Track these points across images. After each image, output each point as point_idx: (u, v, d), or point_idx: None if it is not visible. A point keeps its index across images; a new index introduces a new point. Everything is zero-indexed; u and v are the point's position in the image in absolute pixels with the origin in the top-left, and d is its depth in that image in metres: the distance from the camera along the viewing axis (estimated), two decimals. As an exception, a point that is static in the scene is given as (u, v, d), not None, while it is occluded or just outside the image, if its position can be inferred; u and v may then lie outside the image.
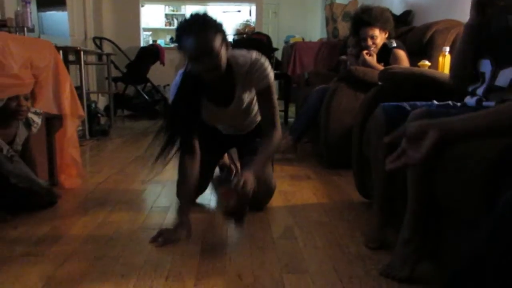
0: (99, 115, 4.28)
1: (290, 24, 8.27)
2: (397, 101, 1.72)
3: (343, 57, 3.23)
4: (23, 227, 1.73)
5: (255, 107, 1.93)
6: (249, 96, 1.86)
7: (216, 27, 1.57)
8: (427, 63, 2.37)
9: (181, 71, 1.76)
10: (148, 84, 5.79)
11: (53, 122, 2.28)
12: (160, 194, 2.18)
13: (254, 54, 1.75)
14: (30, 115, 2.02)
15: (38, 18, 3.82)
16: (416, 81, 1.88)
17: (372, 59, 2.83)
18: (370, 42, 2.78)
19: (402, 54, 2.78)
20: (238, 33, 6.50)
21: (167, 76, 6.19)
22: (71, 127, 2.32)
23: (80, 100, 3.74)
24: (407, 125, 0.92)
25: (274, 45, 6.21)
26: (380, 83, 2.10)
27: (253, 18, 6.87)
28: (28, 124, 2.03)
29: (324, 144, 2.84)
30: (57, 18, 4.40)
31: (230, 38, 7.01)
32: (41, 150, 2.25)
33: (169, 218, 1.86)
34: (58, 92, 2.21)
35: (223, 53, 1.59)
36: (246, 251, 1.53)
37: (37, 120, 2.06)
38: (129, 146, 3.66)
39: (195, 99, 1.74)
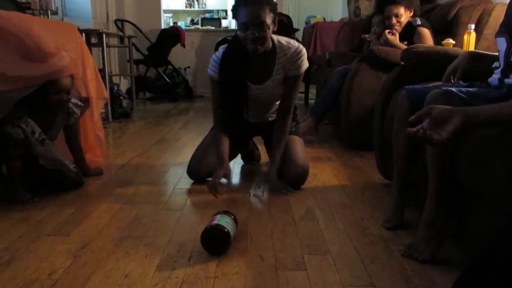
0: (121, 97, 4.32)
1: (311, 4, 8.13)
2: (420, 82, 1.69)
3: (366, 36, 3.17)
4: (49, 208, 1.78)
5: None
6: (281, 80, 1.97)
7: (273, 5, 1.80)
8: (452, 41, 2.30)
9: (222, 47, 1.94)
10: (169, 66, 5.81)
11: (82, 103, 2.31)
12: (182, 176, 2.20)
13: (297, 43, 1.94)
14: (70, 105, 2.05)
15: (61, 0, 3.85)
16: (441, 60, 1.83)
17: (395, 38, 2.77)
18: (394, 20, 2.72)
19: (426, 32, 2.71)
20: None
21: (187, 58, 6.20)
22: (97, 109, 2.35)
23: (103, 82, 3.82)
24: (432, 106, 0.93)
25: (295, 25, 6.14)
26: (402, 63, 2.06)
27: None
28: (68, 113, 2.06)
29: (345, 126, 2.82)
30: (80, 0, 4.43)
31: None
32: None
33: (192, 200, 1.88)
34: (84, 74, 2.23)
35: (271, 29, 1.82)
36: (267, 232, 1.54)
37: (77, 111, 2.10)
38: (151, 128, 3.70)
39: (240, 72, 1.91)
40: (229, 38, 2.01)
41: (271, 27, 1.82)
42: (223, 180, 1.90)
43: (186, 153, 2.71)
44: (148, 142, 3.08)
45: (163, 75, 5.66)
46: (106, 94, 2.40)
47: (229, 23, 7.37)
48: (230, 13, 8.00)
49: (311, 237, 1.50)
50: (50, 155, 1.86)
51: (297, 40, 2.87)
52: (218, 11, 8.37)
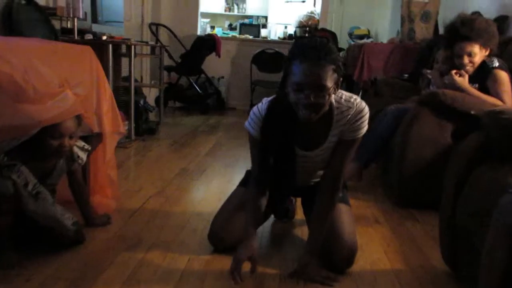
0: (147, 111, 4.03)
1: (356, 13, 7.66)
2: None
3: (428, 71, 2.73)
4: (37, 279, 1.46)
5: None
6: (334, 147, 1.59)
7: (337, 64, 1.40)
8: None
9: (266, 99, 1.57)
10: (202, 75, 5.50)
11: (90, 140, 2.00)
12: (200, 236, 1.85)
13: (358, 100, 1.55)
14: (75, 149, 1.75)
15: (91, 5, 3.58)
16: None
17: (464, 81, 2.35)
18: (466, 60, 2.30)
19: (504, 77, 2.28)
20: (301, 25, 6.04)
21: (222, 68, 5.88)
22: (111, 146, 2.03)
23: (127, 95, 3.52)
24: None
25: (338, 35, 5.73)
26: (473, 113, 1.66)
27: (317, 9, 6.37)
28: (72, 159, 1.75)
29: (397, 178, 2.41)
30: (112, 3, 4.15)
31: (291, 30, 6.59)
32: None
33: (209, 284, 1.52)
34: (99, 107, 1.91)
35: (332, 94, 1.44)
36: None
37: (83, 156, 1.79)
38: (175, 151, 3.38)
39: (287, 137, 1.55)
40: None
41: (332, 92, 1.42)
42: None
43: (211, 196, 2.38)
44: (169, 173, 2.75)
45: (194, 84, 5.36)
46: (123, 128, 2.07)
47: (269, 33, 7.01)
48: (270, 21, 7.64)
49: None
50: (44, 212, 1.54)
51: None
52: (258, 17, 8.02)
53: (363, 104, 1.55)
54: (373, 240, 1.96)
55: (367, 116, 1.54)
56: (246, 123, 1.58)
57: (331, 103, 1.51)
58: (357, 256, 1.68)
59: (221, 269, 1.60)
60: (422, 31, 4.10)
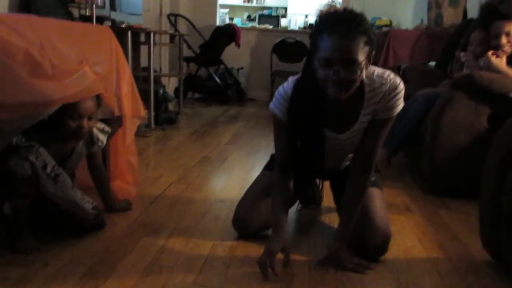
0: (167, 101, 3.97)
1: (378, 3, 7.48)
2: None
3: (462, 53, 2.59)
4: (55, 264, 1.40)
5: None
6: (366, 127, 1.46)
7: (369, 36, 1.26)
8: None
9: (292, 78, 1.45)
10: (221, 66, 5.43)
11: (110, 124, 1.94)
12: (224, 222, 1.77)
13: (392, 75, 1.40)
14: (95, 131, 1.69)
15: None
16: None
17: (501, 62, 2.21)
18: (504, 40, 2.16)
19: (545, 57, 2.14)
20: (322, 14, 5.90)
21: (241, 58, 5.80)
22: (131, 130, 1.96)
23: (147, 83, 3.47)
24: None
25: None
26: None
27: (338, -1, 6.23)
28: (92, 141, 1.70)
29: (428, 165, 2.29)
30: (131, -8, 4.11)
31: (312, 20, 6.46)
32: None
33: (233, 272, 1.42)
34: (118, 89, 1.84)
35: (364, 69, 1.29)
36: None
37: (103, 138, 1.73)
38: (195, 140, 3.31)
39: (316, 118, 1.43)
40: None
41: (363, 67, 1.28)
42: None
43: (233, 184, 2.30)
44: (190, 161, 2.68)
45: (214, 75, 5.28)
46: (143, 112, 2.00)
47: (289, 22, 6.89)
48: (290, 12, 7.51)
49: None
50: (64, 196, 1.48)
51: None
52: (277, 8, 7.91)
53: (398, 79, 1.40)
54: (405, 228, 1.86)
55: (402, 92, 1.40)
56: (271, 104, 1.47)
57: (362, 80, 1.36)
58: (390, 244, 1.58)
59: (246, 255, 1.52)
60: (451, 16, 3.93)
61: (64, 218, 1.59)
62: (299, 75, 1.46)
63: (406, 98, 2.58)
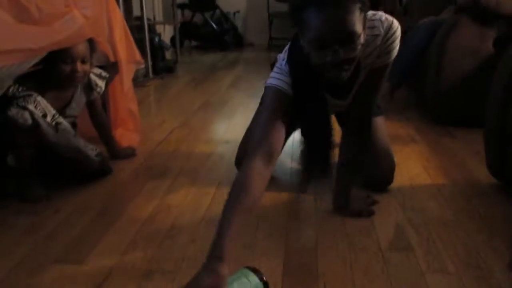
0: (163, 49, 3.89)
1: None
2: None
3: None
4: (65, 210, 1.42)
5: None
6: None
7: (362, 1, 1.03)
8: None
9: (281, 55, 1.26)
10: (217, 11, 5.27)
11: (107, 70, 1.90)
12: (228, 163, 1.78)
13: (384, 17, 1.18)
14: (93, 77, 1.67)
15: None
16: None
17: (507, -19, 2.11)
18: (509, -42, 2.05)
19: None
20: None
21: (237, 2, 5.61)
22: (128, 76, 1.93)
23: (141, 33, 3.38)
24: None
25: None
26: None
27: None
28: (90, 87, 1.67)
29: (432, 93, 2.26)
30: None
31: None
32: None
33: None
34: (111, 35, 1.79)
35: (363, 36, 1.06)
36: (345, 272, 1.11)
37: (101, 84, 1.70)
38: (195, 87, 3.27)
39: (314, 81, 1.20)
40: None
41: (363, 37, 1.06)
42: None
43: (236, 125, 2.29)
44: (191, 106, 2.66)
45: (210, 21, 5.15)
46: (139, 57, 1.96)
47: (284, -40, 6.58)
48: None
49: (410, 284, 1.06)
50: (67, 144, 1.48)
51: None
52: None
53: (390, 19, 1.19)
54: (411, 157, 1.86)
55: (398, 32, 1.20)
56: (269, 80, 1.24)
57: None
58: (395, 173, 1.58)
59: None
60: None
61: (66, 168, 1.59)
62: (287, 50, 1.25)
63: (409, 28, 2.51)
